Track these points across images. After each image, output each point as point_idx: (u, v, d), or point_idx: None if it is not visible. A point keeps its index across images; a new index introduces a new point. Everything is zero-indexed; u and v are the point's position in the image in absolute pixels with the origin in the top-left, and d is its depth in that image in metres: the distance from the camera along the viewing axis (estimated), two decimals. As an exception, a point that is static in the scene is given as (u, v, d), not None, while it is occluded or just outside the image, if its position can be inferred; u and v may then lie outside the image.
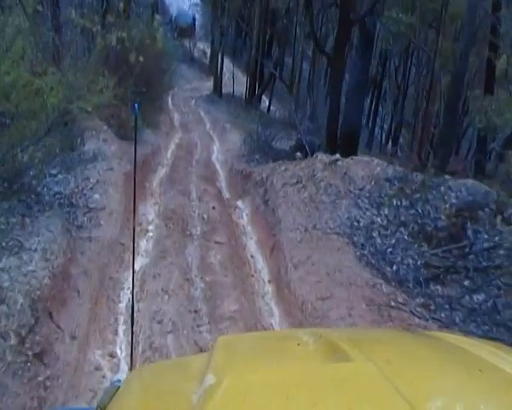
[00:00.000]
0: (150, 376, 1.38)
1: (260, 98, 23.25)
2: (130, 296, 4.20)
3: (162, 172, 9.37)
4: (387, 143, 20.71)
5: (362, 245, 5.32)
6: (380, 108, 22.31)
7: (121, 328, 4.36)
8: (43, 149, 5.80)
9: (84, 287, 4.63)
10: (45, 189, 5.79)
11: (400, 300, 4.45)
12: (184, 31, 33.98)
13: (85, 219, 5.54)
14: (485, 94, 11.26)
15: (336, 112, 8.49)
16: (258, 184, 7.45)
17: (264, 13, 21.92)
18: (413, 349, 1.21)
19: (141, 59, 9.77)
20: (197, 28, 35.49)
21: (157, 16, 15.01)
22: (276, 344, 1.40)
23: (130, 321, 3.35)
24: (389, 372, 0.93)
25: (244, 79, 27.78)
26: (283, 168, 7.14)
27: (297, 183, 6.53)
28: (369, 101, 21.92)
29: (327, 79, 31.98)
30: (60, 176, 6.13)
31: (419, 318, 4.22)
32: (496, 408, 0.91)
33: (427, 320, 4.22)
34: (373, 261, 5.05)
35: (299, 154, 8.09)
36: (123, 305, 4.73)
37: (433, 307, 4.38)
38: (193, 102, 21.63)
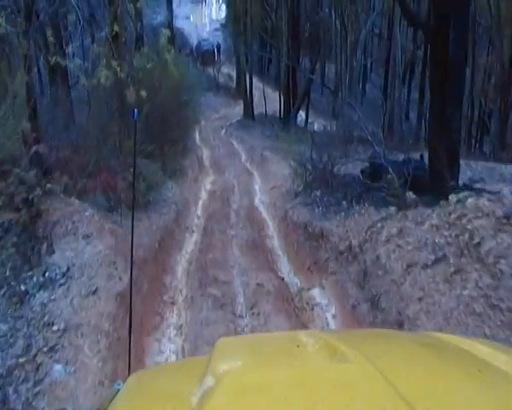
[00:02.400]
0: (149, 378, 1.36)
1: (297, 113, 20.47)
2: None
3: (190, 245, 6.63)
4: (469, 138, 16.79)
5: None
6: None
7: None
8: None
9: None
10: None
11: None
12: (207, 58, 32.52)
13: None
14: None
15: (441, 114, 5.51)
16: (346, 257, 4.50)
17: (291, 18, 19.28)
18: (412, 350, 1.19)
19: (143, 94, 7.17)
20: (221, 53, 33.80)
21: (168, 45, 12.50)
22: (276, 346, 1.34)
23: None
24: (388, 373, 0.91)
25: (275, 95, 25.48)
26: (394, 227, 4.15)
27: (439, 262, 3.40)
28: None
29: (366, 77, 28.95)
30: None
31: None
32: (495, 409, 0.89)
33: None
34: None
35: (411, 195, 4.90)
36: None
37: None
38: (223, 131, 19.16)
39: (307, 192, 7.68)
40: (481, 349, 1.15)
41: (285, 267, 5.75)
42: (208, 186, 10.37)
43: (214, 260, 5.60)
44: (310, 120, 23.50)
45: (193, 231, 7.44)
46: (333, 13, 14.58)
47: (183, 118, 12.42)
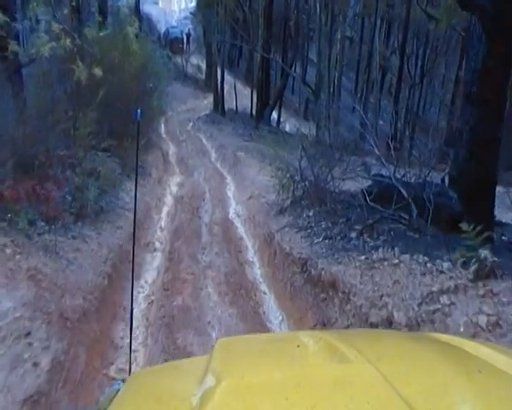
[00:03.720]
0: (150, 378, 1.35)
1: (271, 112, 19.23)
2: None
3: (151, 275, 5.10)
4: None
5: None
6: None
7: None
8: None
9: None
10: None
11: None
12: (175, 46, 30.86)
13: None
14: None
15: (482, 126, 4.33)
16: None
17: (267, 9, 17.96)
18: (412, 351, 1.19)
19: (98, 73, 5.67)
20: (190, 42, 32.22)
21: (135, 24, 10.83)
22: (276, 346, 1.37)
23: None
24: (388, 374, 0.91)
25: (246, 91, 24.15)
26: (481, 313, 2.60)
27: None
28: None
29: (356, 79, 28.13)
30: None
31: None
32: (495, 409, 0.89)
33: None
34: None
35: (486, 254, 3.37)
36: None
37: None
38: (190, 125, 17.63)
39: (296, 210, 6.42)
40: (482, 350, 1.14)
41: (274, 314, 4.40)
42: (174, 189, 8.91)
43: (184, 310, 4.08)
44: (282, 120, 22.41)
45: (155, 250, 6.01)
46: (317, 5, 13.37)
47: (147, 107, 10.90)
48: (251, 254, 6.14)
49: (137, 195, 7.71)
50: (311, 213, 6.06)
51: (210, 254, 5.53)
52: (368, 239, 4.47)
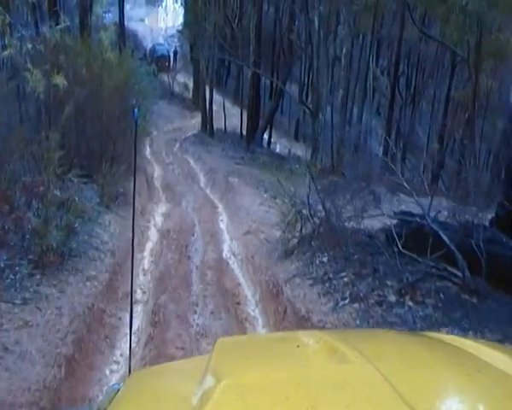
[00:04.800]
0: (150, 378, 1.35)
1: (263, 133, 18.33)
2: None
3: (127, 349, 3.84)
4: None
5: None
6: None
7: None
8: None
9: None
10: None
11: None
12: (161, 64, 30.02)
13: None
14: None
15: None
16: None
17: (258, 24, 17.19)
18: (413, 351, 1.19)
19: (60, 82, 4.68)
20: (177, 60, 31.57)
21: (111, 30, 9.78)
22: (276, 346, 1.36)
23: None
24: (388, 374, 0.90)
25: (234, 110, 23.26)
26: None
27: None
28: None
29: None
30: None
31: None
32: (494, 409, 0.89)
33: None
34: None
35: None
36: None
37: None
38: (177, 146, 16.60)
39: (305, 253, 5.40)
40: (481, 350, 1.13)
41: None
42: (160, 221, 7.81)
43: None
44: (272, 141, 21.51)
45: (135, 302, 4.91)
46: (315, 21, 12.58)
47: (129, 127, 9.87)
48: (252, 307, 5.07)
49: (116, 229, 6.57)
50: (325, 259, 5.04)
51: (204, 314, 4.42)
52: (412, 304, 3.45)
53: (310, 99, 15.01)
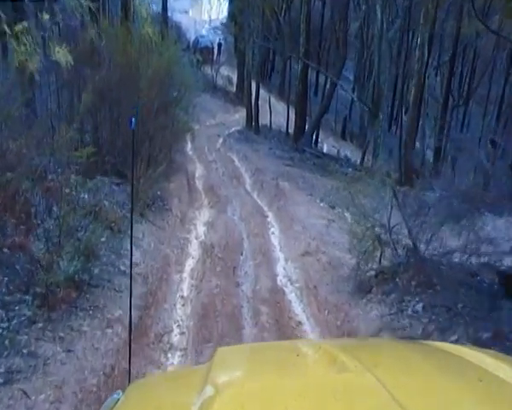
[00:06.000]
0: (149, 388, 1.33)
1: (313, 133, 17.05)
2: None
3: None
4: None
5: None
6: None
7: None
8: None
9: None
10: None
11: None
12: (205, 56, 29.25)
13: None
14: None
15: None
16: None
17: (308, 16, 15.92)
18: (412, 360, 1.18)
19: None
20: (221, 53, 30.74)
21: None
22: (276, 355, 1.34)
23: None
24: (388, 383, 0.89)
25: (280, 106, 22.12)
26: None
27: None
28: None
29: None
30: None
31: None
32: None
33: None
34: None
35: None
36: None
37: None
38: (220, 142, 15.58)
39: (389, 293, 4.20)
40: (482, 359, 1.11)
41: None
42: (202, 232, 6.75)
43: None
44: (319, 140, 20.21)
45: (171, 348, 3.87)
46: (377, 9, 11.25)
47: (170, 121, 8.91)
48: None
49: (151, 245, 5.56)
50: (419, 307, 3.83)
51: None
52: None
53: (367, 97, 13.64)
